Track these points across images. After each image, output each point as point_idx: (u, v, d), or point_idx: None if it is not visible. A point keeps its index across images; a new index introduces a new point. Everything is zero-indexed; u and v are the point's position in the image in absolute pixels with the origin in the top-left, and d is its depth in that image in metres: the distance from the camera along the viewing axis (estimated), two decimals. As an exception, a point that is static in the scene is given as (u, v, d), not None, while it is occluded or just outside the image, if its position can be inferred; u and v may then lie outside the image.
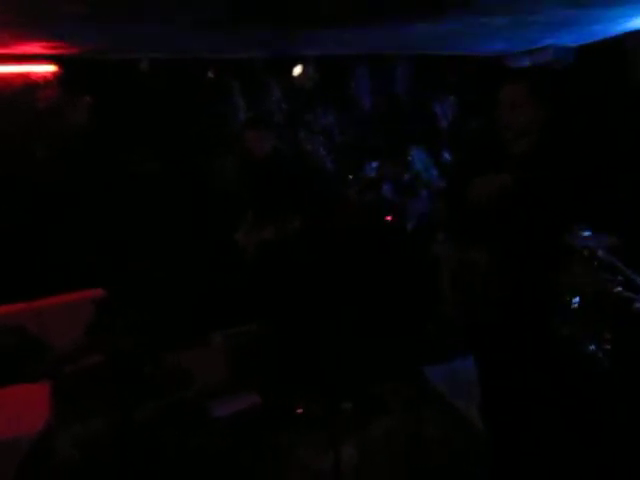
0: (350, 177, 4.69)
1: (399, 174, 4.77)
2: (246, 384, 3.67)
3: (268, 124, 3.93)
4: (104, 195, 3.98)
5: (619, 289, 2.56)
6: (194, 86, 4.26)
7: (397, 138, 4.85)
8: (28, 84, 3.74)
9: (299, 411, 3.47)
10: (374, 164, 4.77)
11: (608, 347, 2.49)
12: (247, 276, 3.79)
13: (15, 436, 2.69)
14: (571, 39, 4.49)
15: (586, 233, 2.85)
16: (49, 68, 3.75)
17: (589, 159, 3.69)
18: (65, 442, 2.94)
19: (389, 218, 4.58)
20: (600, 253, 2.64)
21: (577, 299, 2.63)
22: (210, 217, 4.24)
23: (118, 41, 3.36)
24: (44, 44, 3.29)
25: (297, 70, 4.40)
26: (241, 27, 3.24)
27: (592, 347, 2.52)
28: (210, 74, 4.30)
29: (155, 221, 4.10)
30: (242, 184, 3.91)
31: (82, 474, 2.86)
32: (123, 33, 3.09)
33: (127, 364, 3.58)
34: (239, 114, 4.29)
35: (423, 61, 4.87)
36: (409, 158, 4.77)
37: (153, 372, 3.54)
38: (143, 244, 4.05)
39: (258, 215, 3.69)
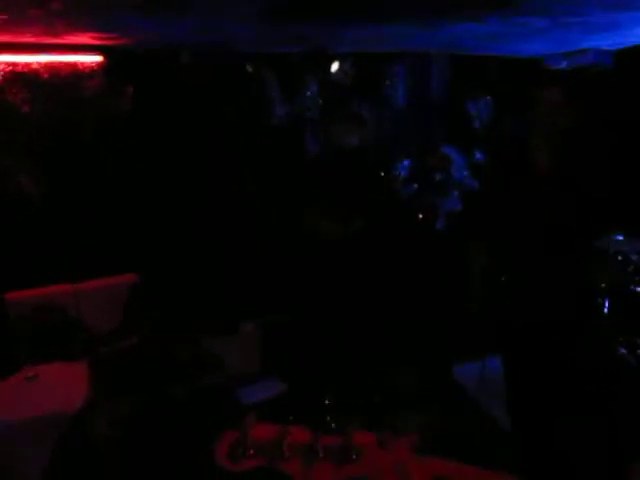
0: (382, 174, 4.73)
1: (431, 173, 4.79)
2: (276, 373, 3.74)
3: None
4: (144, 182, 4.09)
5: (652, 294, 2.55)
6: (233, 78, 4.33)
7: (430, 137, 4.87)
8: (75, 73, 3.87)
9: (327, 402, 3.53)
10: (406, 162, 4.79)
11: (639, 351, 2.49)
12: (292, 265, 3.84)
13: (56, 412, 2.80)
14: (610, 42, 4.44)
15: (620, 237, 2.85)
16: (95, 58, 3.87)
17: (625, 163, 3.67)
18: (101, 419, 3.05)
19: (420, 216, 4.60)
20: (634, 257, 2.65)
21: (607, 302, 2.63)
22: (248, 207, 4.32)
23: (165, 33, 3.45)
24: (94, 35, 3.40)
25: (334, 66, 4.44)
26: (286, 22, 3.29)
27: (623, 350, 2.52)
28: (249, 67, 4.37)
29: (193, 209, 4.19)
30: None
31: (117, 450, 2.96)
32: (171, 25, 3.17)
33: (160, 347, 3.68)
34: (276, 107, 4.36)
35: (459, 60, 4.86)
36: (442, 158, 4.78)
37: (185, 356, 3.63)
38: (180, 231, 4.14)
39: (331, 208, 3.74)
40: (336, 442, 1.01)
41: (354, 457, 1.00)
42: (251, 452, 0.97)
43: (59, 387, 3.01)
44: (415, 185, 4.69)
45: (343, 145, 4.55)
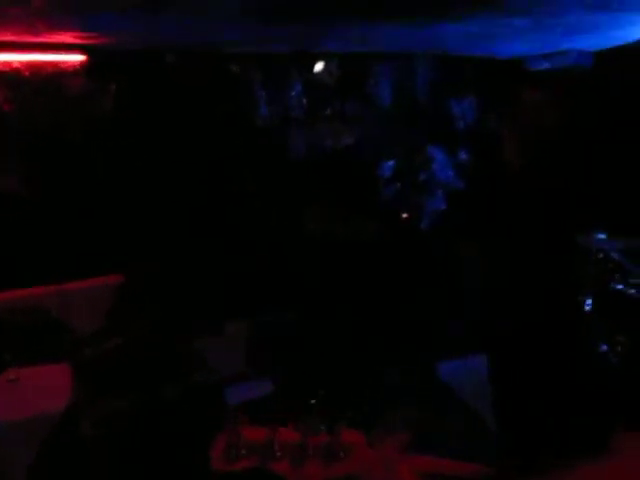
0: (368, 174, 4.75)
1: (415, 173, 4.83)
2: (263, 372, 3.74)
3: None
4: (134, 182, 4.06)
5: (632, 292, 2.60)
6: (217, 78, 4.33)
7: (415, 137, 4.90)
8: (57, 72, 3.84)
9: (312, 401, 3.53)
10: (390, 162, 4.82)
11: (619, 349, 2.54)
12: (288, 265, 3.85)
13: (40, 414, 2.78)
14: (590, 43, 4.50)
15: (601, 236, 2.90)
16: (78, 57, 3.84)
17: (606, 163, 3.74)
18: (86, 421, 3.03)
19: (405, 216, 4.64)
20: (615, 256, 2.69)
21: (589, 301, 2.67)
22: (233, 207, 4.32)
23: (148, 32, 3.43)
24: (76, 34, 3.37)
25: (319, 66, 4.46)
26: (269, 21, 3.30)
27: (604, 347, 2.57)
28: (233, 67, 4.36)
29: (178, 210, 4.18)
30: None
31: (103, 452, 2.94)
32: (154, 24, 3.16)
33: (144, 348, 3.67)
34: (261, 107, 4.36)
35: (443, 61, 4.90)
36: (426, 157, 4.81)
37: (173, 356, 3.62)
38: (166, 232, 4.12)
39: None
40: (325, 441, 1.03)
41: (342, 455, 1.02)
42: (243, 452, 0.99)
43: (44, 389, 2.98)
44: (398, 185, 4.72)
45: (328, 145, 4.57)
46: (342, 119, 4.68)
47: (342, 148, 4.61)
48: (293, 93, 4.49)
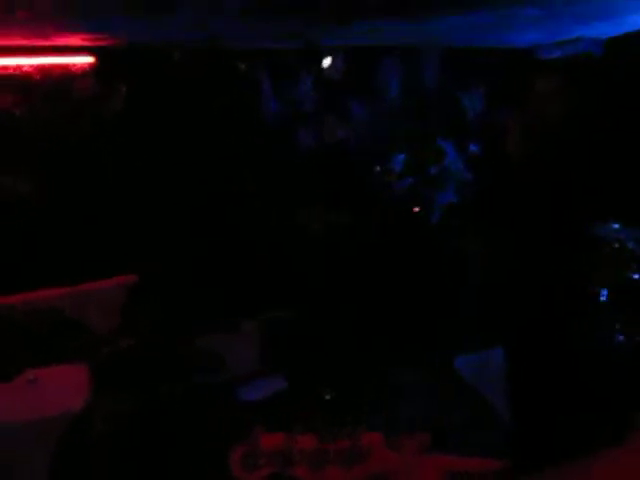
0: (377, 169, 4.73)
1: (425, 166, 4.80)
2: (276, 370, 3.75)
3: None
4: (141, 182, 4.08)
5: (649, 281, 2.56)
6: (225, 75, 4.33)
7: (424, 130, 4.87)
8: (67, 75, 3.87)
9: (327, 397, 3.54)
10: (401, 156, 4.79)
11: (638, 339, 2.51)
12: (292, 263, 3.85)
13: (58, 413, 2.81)
14: (602, 30, 4.44)
15: (616, 226, 2.87)
16: (87, 59, 3.86)
17: (619, 152, 3.69)
18: (103, 419, 3.06)
19: (415, 210, 4.62)
20: (630, 245, 2.66)
21: (605, 291, 2.64)
22: (248, 207, 4.33)
23: (156, 31, 3.44)
24: (85, 36, 3.40)
25: (327, 61, 4.44)
26: (274, 18, 3.30)
27: (621, 338, 2.54)
28: (241, 64, 4.36)
29: (189, 208, 4.19)
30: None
31: (117, 450, 2.97)
32: (162, 22, 3.17)
33: (158, 347, 3.69)
34: (269, 103, 4.35)
35: (452, 53, 4.86)
36: (436, 150, 4.78)
37: (183, 355, 3.64)
38: (180, 231, 4.14)
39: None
40: (344, 445, 1.02)
41: (363, 459, 1.01)
42: (262, 461, 0.99)
43: (61, 389, 3.01)
44: (410, 179, 4.70)
45: (336, 140, 4.55)
46: (350, 114, 4.66)
47: (350, 143, 4.59)
48: (302, 88, 4.47)
